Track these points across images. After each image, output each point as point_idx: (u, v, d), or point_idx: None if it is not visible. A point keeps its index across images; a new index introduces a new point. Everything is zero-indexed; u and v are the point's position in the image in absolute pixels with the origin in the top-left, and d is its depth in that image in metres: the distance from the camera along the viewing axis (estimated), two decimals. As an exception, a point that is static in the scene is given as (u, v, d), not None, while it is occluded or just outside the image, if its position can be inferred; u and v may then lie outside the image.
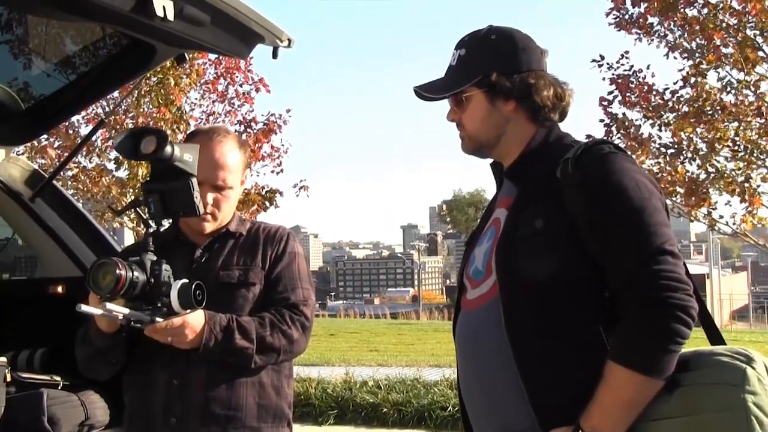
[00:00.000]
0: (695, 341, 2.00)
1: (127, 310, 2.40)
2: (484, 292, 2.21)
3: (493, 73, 2.21)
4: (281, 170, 13.28)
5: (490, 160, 2.42)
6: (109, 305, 2.37)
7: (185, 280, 2.46)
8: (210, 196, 2.76)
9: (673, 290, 1.91)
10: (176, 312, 2.45)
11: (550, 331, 2.05)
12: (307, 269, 2.89)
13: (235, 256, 2.80)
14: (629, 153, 2.21)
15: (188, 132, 2.91)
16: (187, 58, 3.91)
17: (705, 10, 10.28)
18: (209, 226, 2.83)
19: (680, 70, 10.71)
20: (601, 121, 11.13)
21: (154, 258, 2.47)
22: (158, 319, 2.44)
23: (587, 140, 2.19)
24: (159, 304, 2.44)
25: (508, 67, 2.22)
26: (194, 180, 2.52)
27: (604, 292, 2.03)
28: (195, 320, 2.53)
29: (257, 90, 12.81)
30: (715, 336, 2.17)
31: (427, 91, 2.30)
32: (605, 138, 2.33)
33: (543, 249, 2.06)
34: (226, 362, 2.62)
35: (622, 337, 1.97)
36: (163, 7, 2.93)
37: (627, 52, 11.06)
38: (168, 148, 2.45)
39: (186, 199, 2.51)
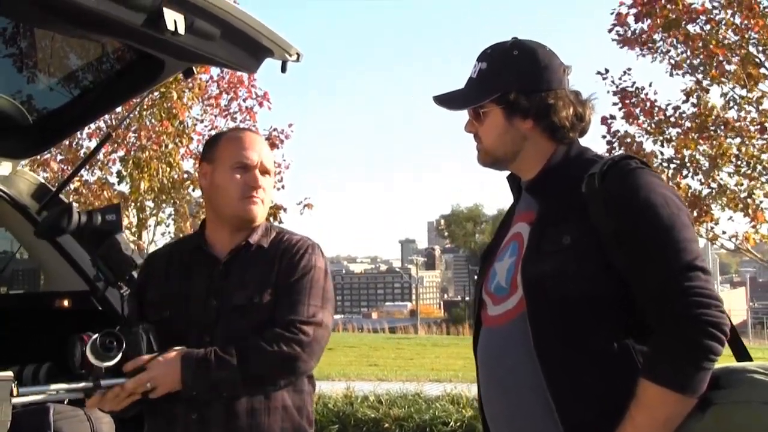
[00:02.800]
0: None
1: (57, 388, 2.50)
2: (509, 309, 2.19)
3: (511, 91, 2.20)
4: (282, 186, 13.24)
5: (497, 172, 2.41)
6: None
7: (95, 336, 2.45)
8: (261, 180, 2.71)
9: (706, 306, 1.90)
10: (95, 365, 2.45)
11: (579, 348, 2.04)
12: (324, 283, 2.70)
13: (253, 273, 2.67)
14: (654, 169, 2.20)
15: (217, 133, 2.92)
16: (195, 71, 3.91)
17: (708, 27, 10.32)
18: (260, 210, 2.72)
19: (683, 91, 10.73)
20: (603, 137, 11.16)
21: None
22: (103, 383, 2.44)
23: (612, 155, 2.19)
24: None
25: (528, 85, 2.21)
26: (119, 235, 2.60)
27: (632, 307, 2.02)
28: (168, 358, 2.48)
29: (260, 105, 12.80)
30: (741, 352, 2.15)
31: (445, 102, 2.31)
32: (629, 153, 2.33)
33: (571, 265, 2.05)
34: (215, 397, 2.52)
35: (655, 354, 1.95)
36: (174, 21, 2.94)
37: (629, 69, 11.12)
38: (75, 216, 2.56)
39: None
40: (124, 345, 2.45)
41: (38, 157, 11.40)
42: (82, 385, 2.48)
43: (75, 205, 2.59)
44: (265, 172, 2.74)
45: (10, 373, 3.30)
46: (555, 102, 2.20)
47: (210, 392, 2.51)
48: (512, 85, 2.21)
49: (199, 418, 2.54)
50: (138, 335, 2.52)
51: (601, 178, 2.06)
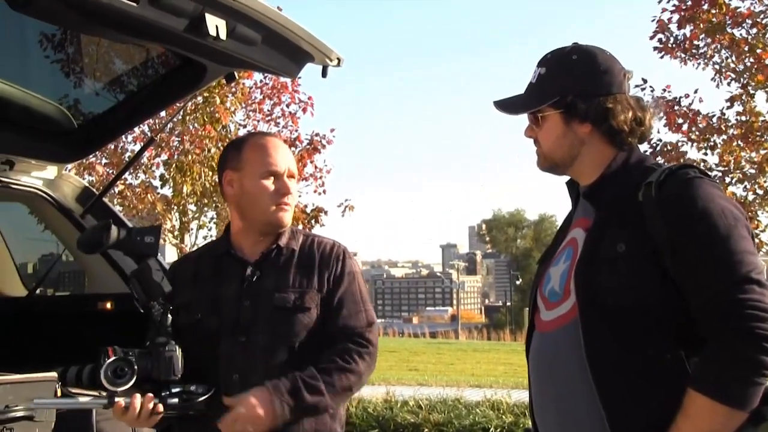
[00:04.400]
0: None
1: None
2: (561, 314, 2.18)
3: (569, 94, 2.19)
4: (324, 191, 13.24)
5: (558, 178, 2.41)
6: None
7: (109, 360, 2.50)
8: (291, 186, 2.76)
9: (760, 320, 1.86)
10: (107, 389, 2.49)
11: (631, 356, 2.02)
12: (365, 286, 2.82)
13: (289, 275, 2.70)
14: (715, 178, 2.15)
15: (235, 140, 2.94)
16: (236, 76, 3.94)
17: (754, 30, 10.15)
18: (290, 216, 2.77)
19: (729, 98, 10.49)
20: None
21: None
22: (118, 400, 2.48)
23: (671, 164, 2.16)
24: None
25: (586, 89, 2.20)
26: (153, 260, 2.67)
27: (686, 317, 1.99)
28: (260, 397, 2.49)
29: (304, 111, 12.80)
30: None
31: (505, 107, 2.31)
32: (689, 162, 2.28)
33: (625, 273, 2.03)
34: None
35: (705, 366, 1.93)
36: (216, 27, 2.96)
37: (669, 86, 10.87)
38: (114, 232, 2.64)
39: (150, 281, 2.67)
40: (136, 370, 2.50)
41: (83, 160, 11.61)
42: (97, 400, 2.57)
43: (125, 220, 2.70)
44: (291, 176, 2.78)
45: (54, 374, 3.36)
46: (614, 106, 2.19)
47: (300, 417, 2.56)
48: (570, 89, 2.20)
49: None
50: (162, 355, 2.55)
51: (658, 186, 2.04)
